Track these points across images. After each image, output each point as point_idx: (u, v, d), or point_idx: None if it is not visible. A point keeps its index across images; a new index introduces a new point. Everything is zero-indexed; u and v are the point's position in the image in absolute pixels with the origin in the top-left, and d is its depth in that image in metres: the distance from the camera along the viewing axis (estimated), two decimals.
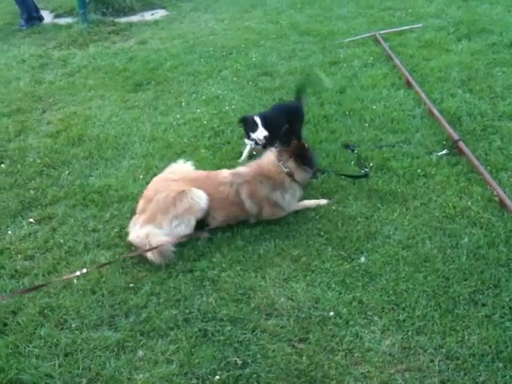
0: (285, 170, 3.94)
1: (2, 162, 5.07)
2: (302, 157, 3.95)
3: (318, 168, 4.21)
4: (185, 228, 3.80)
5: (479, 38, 6.99)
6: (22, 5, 9.21)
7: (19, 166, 4.99)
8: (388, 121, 5.22)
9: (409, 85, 5.87)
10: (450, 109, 5.28)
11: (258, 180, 3.93)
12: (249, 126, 4.48)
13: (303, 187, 4.08)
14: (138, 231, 3.78)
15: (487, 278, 3.31)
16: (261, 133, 4.38)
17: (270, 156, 4.04)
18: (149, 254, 3.63)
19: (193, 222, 3.83)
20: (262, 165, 4.00)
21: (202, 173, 4.16)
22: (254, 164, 4.05)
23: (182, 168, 4.20)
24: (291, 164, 3.95)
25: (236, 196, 3.91)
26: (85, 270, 3.34)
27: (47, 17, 9.93)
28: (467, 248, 3.56)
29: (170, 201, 3.78)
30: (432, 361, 2.87)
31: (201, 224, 3.90)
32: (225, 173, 4.05)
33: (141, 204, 3.96)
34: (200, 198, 3.83)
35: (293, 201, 4.03)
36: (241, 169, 4.06)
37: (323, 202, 4.13)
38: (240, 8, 9.51)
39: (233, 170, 4.05)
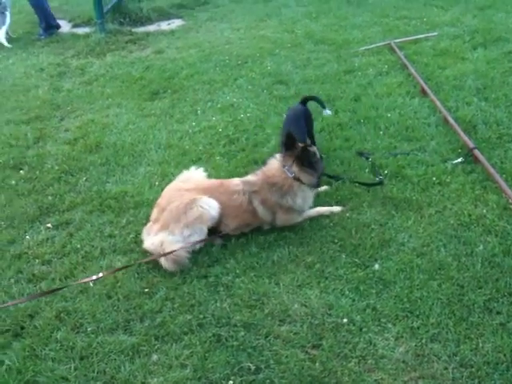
0: (290, 175, 3.95)
1: (21, 169, 5.16)
2: (304, 160, 3.95)
3: (322, 171, 4.21)
4: (197, 237, 3.83)
5: (495, 47, 6.96)
6: (41, 14, 9.37)
7: (37, 172, 5.07)
8: (403, 129, 5.22)
9: (424, 93, 5.87)
10: (466, 117, 5.26)
11: (266, 188, 3.96)
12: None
13: (314, 188, 4.09)
14: (153, 238, 3.82)
15: (502, 286, 3.29)
16: None
17: (274, 163, 4.05)
18: (163, 262, 3.67)
19: (205, 231, 3.85)
20: (268, 172, 4.02)
21: (214, 181, 4.19)
22: (259, 172, 4.07)
23: (195, 176, 4.23)
24: (295, 168, 3.96)
25: (249, 204, 3.94)
26: (101, 274, 3.38)
27: (65, 26, 10.08)
28: (482, 256, 3.55)
29: (181, 209, 3.81)
30: (446, 368, 2.86)
31: (215, 230, 3.93)
32: (236, 181, 4.08)
33: (154, 213, 4.00)
34: (210, 206, 3.85)
35: (306, 204, 4.04)
36: (250, 177, 4.08)
37: (337, 209, 4.14)
38: (255, 17, 9.58)
39: (243, 179, 4.08)
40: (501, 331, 3.02)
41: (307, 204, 4.06)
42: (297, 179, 3.95)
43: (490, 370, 2.82)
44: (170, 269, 3.66)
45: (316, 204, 4.17)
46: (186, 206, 3.81)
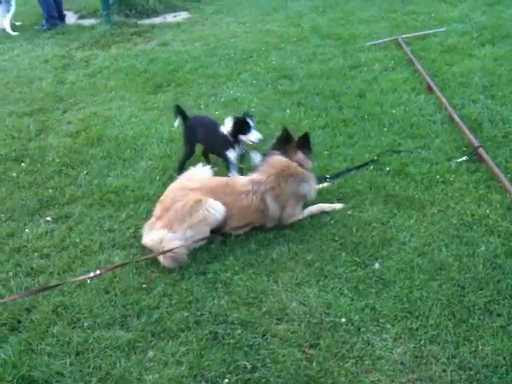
0: (295, 164, 3.98)
1: (23, 161, 5.15)
2: (308, 145, 4.06)
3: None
4: (199, 238, 3.80)
5: (503, 44, 6.89)
6: (44, 5, 9.36)
7: (39, 165, 5.05)
8: (407, 126, 5.17)
9: (430, 90, 5.81)
10: (471, 115, 5.20)
11: (282, 181, 3.93)
12: (239, 126, 4.39)
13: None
14: (153, 235, 3.79)
15: (503, 288, 3.25)
16: (255, 135, 4.37)
17: (278, 158, 4.02)
18: (161, 259, 3.64)
19: (207, 232, 3.83)
20: (279, 166, 3.98)
21: (220, 181, 4.12)
22: (265, 170, 4.01)
23: (200, 174, 4.17)
24: (300, 156, 4.00)
25: (260, 203, 3.90)
26: (98, 272, 3.35)
27: (71, 17, 10.08)
28: (484, 257, 3.50)
29: (186, 210, 3.77)
30: (444, 371, 2.82)
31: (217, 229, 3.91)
32: (243, 181, 4.03)
33: (157, 210, 3.94)
34: (216, 210, 3.81)
35: (315, 186, 4.10)
36: (257, 176, 4.02)
37: (339, 206, 4.10)
38: (262, 11, 9.53)
39: (251, 178, 4.02)
40: (501, 334, 2.97)
41: (316, 187, 4.12)
42: (301, 166, 3.99)
43: (488, 373, 2.78)
44: (168, 265, 3.63)
45: (317, 201, 4.13)
46: (191, 207, 3.77)
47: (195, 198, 3.81)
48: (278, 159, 4.02)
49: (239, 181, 4.06)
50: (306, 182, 4.01)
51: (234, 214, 3.88)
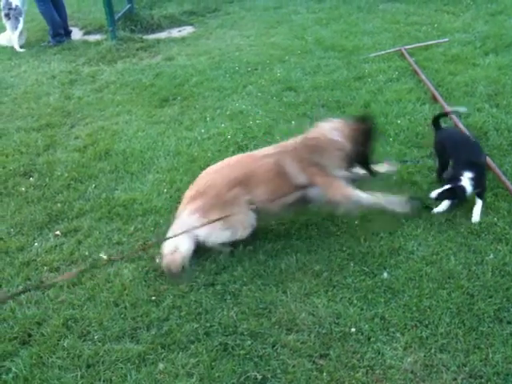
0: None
1: (31, 176, 5.19)
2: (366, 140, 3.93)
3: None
4: (228, 235, 3.81)
5: (507, 53, 6.90)
6: (49, 22, 9.47)
7: (47, 179, 5.09)
8: (413, 135, 5.19)
9: (434, 99, 5.82)
10: (477, 123, 5.22)
11: (303, 148, 3.89)
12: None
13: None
14: (170, 243, 3.77)
15: None
16: None
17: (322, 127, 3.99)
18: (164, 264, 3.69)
19: (237, 235, 3.83)
20: (311, 135, 3.96)
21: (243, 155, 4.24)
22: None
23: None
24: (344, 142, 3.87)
25: (278, 165, 3.84)
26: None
27: (77, 33, 10.17)
28: (492, 265, 3.50)
29: (228, 203, 3.78)
30: (455, 379, 2.82)
31: None
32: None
33: (191, 192, 3.94)
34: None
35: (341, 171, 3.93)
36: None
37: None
38: (266, 24, 9.59)
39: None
40: (511, 341, 2.97)
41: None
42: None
43: (499, 381, 2.78)
44: (167, 271, 3.67)
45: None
46: (233, 201, 3.78)
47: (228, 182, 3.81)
48: (320, 129, 3.96)
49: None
50: (327, 157, 3.83)
51: (259, 182, 3.85)
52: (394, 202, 3.92)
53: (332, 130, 3.91)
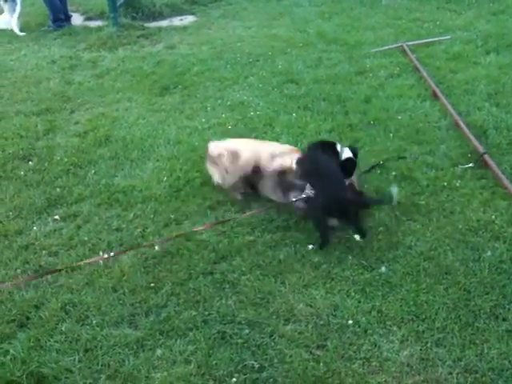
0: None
1: (30, 160, 5.18)
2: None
3: None
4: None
5: (508, 52, 6.93)
6: (49, 6, 9.40)
7: (46, 164, 5.08)
8: (413, 132, 5.21)
9: (435, 96, 5.85)
10: (477, 122, 5.24)
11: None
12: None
13: None
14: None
15: (509, 293, 3.28)
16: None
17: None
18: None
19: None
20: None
21: None
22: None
23: None
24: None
25: None
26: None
27: (78, 19, 10.11)
28: (489, 262, 3.53)
29: None
30: (450, 373, 2.85)
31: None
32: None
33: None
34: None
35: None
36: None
37: None
38: (268, 16, 9.57)
39: None
40: (506, 338, 3.00)
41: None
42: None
43: (494, 377, 2.81)
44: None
45: None
46: None
47: None
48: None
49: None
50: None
51: None
52: None
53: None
